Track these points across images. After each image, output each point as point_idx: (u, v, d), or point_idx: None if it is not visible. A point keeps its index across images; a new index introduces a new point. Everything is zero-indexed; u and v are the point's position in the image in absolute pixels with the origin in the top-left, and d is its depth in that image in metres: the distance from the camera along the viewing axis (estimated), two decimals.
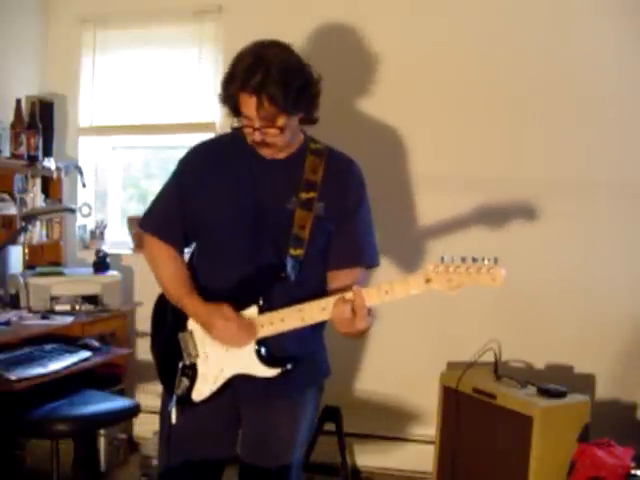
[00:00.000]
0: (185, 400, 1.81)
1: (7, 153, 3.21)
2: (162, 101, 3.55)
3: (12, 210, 3.21)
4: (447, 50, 3.15)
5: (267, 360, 1.74)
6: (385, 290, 1.60)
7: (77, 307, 3.15)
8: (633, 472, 2.39)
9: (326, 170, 1.78)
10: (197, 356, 1.81)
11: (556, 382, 2.65)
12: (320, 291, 1.75)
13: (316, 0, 3.26)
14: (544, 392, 2.58)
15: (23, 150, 3.24)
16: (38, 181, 3.38)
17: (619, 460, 2.43)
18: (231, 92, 1.67)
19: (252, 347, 1.74)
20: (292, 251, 1.73)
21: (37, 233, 3.37)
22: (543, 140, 3.07)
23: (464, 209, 3.06)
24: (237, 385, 1.79)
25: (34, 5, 3.62)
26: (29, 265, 3.33)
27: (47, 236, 3.46)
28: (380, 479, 3.24)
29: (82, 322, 3.08)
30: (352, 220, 1.80)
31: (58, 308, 3.13)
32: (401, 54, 3.17)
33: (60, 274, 3.25)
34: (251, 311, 1.74)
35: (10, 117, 3.24)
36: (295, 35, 3.17)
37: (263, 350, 1.75)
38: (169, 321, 1.87)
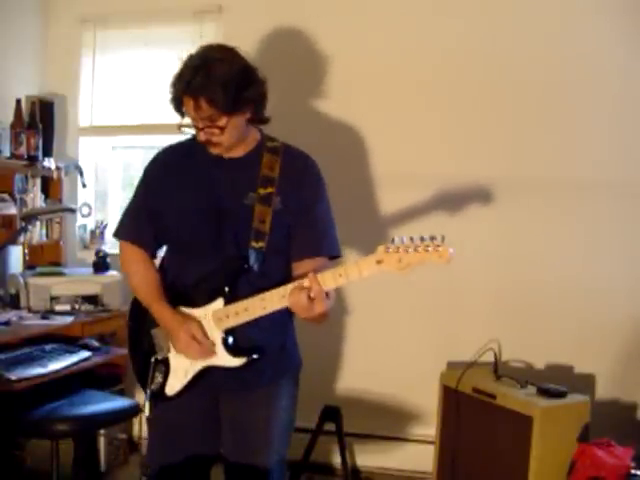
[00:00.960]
0: (159, 395, 1.85)
1: (7, 153, 3.21)
2: (162, 101, 3.52)
3: (12, 210, 3.21)
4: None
5: (233, 349, 1.78)
6: (339, 273, 1.65)
7: (77, 307, 3.15)
8: (633, 472, 2.39)
9: (283, 166, 1.83)
10: (169, 350, 1.85)
11: (556, 382, 2.65)
12: (285, 280, 1.77)
13: (316, 0, 3.26)
14: (544, 392, 2.58)
15: (23, 150, 3.24)
16: (38, 181, 3.38)
17: (619, 460, 2.42)
18: (175, 94, 1.77)
19: (219, 337, 1.78)
20: (254, 244, 1.77)
21: (37, 233, 3.37)
22: (543, 140, 3.06)
23: (462, 209, 3.05)
24: (210, 378, 1.82)
25: (34, 5, 3.62)
26: (29, 265, 3.32)
27: (47, 236, 3.46)
28: (380, 479, 3.24)
29: (82, 322, 3.08)
30: (312, 213, 1.84)
31: (58, 308, 3.12)
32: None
33: (60, 274, 3.24)
34: (217, 303, 1.78)
35: (10, 117, 3.24)
36: (294, 35, 3.23)
37: (230, 339, 1.78)
38: (146, 319, 1.90)
